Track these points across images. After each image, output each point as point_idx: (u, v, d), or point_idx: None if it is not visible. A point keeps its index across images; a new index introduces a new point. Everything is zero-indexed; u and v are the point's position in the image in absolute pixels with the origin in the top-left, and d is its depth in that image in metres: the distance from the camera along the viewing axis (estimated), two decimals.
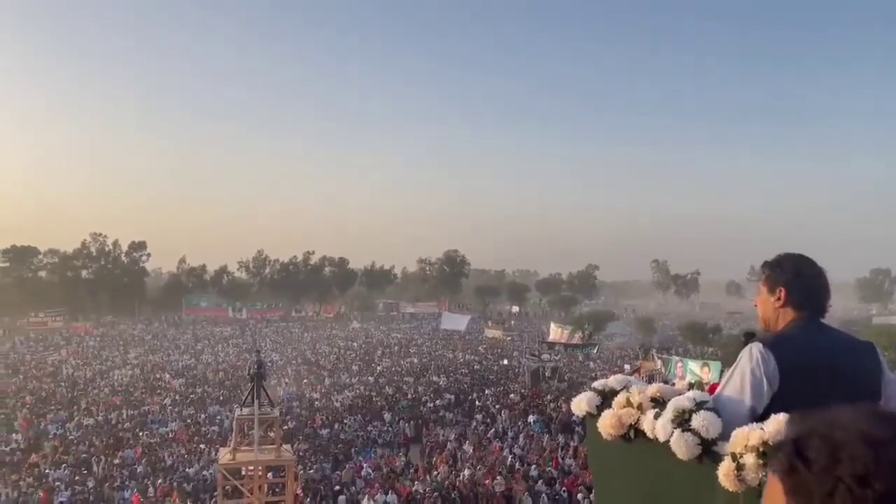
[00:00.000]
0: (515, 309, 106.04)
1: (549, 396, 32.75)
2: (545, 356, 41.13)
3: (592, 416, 2.26)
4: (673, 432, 1.85)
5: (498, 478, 19.47)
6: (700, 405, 1.88)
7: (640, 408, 2.05)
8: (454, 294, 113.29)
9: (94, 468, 22.30)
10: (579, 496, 17.26)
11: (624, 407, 2.09)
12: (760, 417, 1.83)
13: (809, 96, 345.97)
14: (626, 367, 39.29)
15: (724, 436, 1.78)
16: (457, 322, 68.64)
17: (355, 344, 61.28)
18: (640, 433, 2.04)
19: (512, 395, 33.57)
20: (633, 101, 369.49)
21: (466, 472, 20.49)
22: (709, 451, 1.79)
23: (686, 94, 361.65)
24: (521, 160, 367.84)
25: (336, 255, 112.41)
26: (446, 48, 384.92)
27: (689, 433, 1.82)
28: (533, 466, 21.23)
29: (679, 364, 32.69)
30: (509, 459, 22.11)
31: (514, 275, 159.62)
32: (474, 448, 23.93)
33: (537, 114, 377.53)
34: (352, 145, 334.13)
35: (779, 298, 2.16)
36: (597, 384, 2.34)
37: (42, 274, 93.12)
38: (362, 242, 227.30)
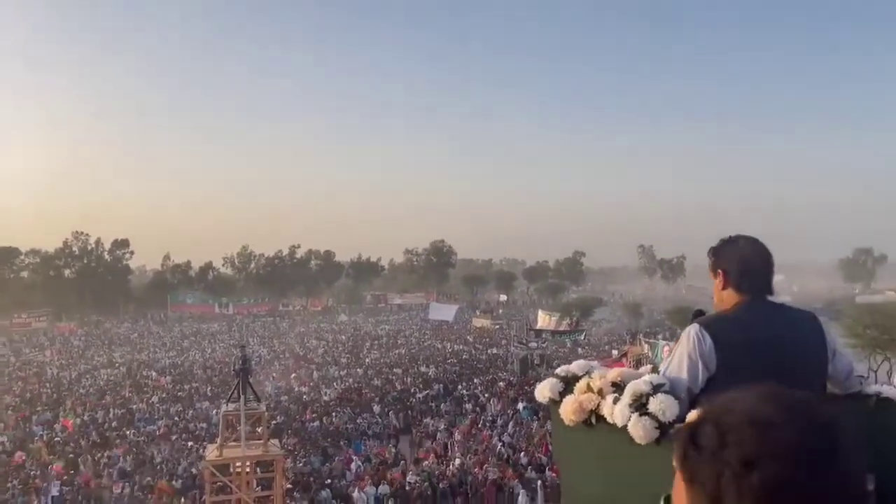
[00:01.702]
0: (503, 297, 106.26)
1: (537, 383, 32.81)
2: (533, 344, 41.30)
3: (556, 403, 2.24)
4: (630, 416, 1.83)
5: (488, 466, 19.55)
6: (657, 388, 1.86)
7: (600, 393, 2.03)
8: (441, 284, 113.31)
9: (81, 467, 22.15)
10: None
11: (584, 392, 2.07)
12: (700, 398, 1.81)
13: (791, 87, 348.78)
14: (614, 352, 39.46)
15: (681, 418, 1.76)
16: (444, 312, 68.75)
17: (343, 337, 61.26)
18: (601, 418, 2.02)
19: (501, 384, 33.68)
20: (616, 91, 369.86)
21: (457, 461, 20.55)
22: (666, 434, 1.77)
23: (670, 85, 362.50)
24: (506, 148, 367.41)
25: (322, 248, 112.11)
26: (426, 39, 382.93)
27: (646, 417, 1.80)
28: (522, 454, 21.32)
29: (666, 348, 32.77)
30: (499, 447, 22.18)
31: (501, 263, 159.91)
32: (464, 437, 23.98)
33: (519, 102, 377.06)
34: (335, 138, 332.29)
35: (721, 282, 2.17)
36: (559, 370, 2.32)
37: (24, 274, 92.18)
38: (348, 235, 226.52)
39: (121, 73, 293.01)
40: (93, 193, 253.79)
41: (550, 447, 21.64)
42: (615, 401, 1.93)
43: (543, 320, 51.70)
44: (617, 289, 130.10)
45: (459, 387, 33.70)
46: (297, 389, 34.56)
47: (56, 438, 25.92)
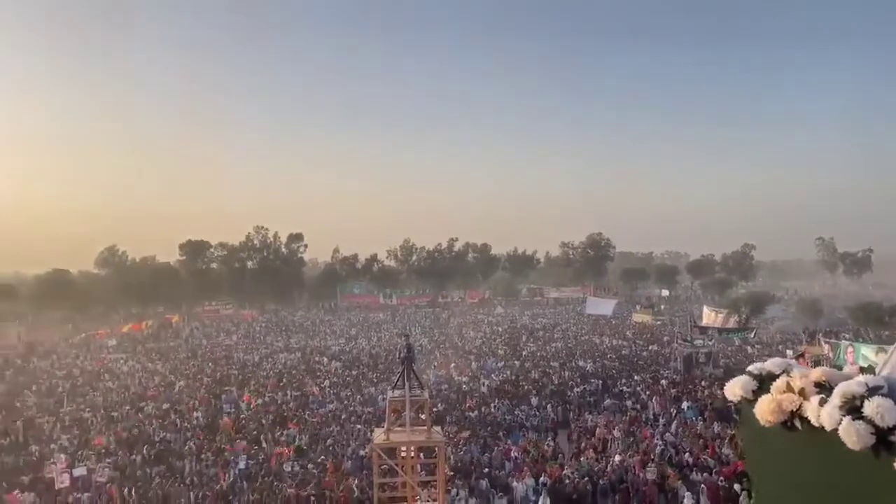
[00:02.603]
0: (665, 292, 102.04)
1: (703, 383, 31.41)
2: (698, 341, 39.38)
3: (748, 402, 2.13)
4: (842, 420, 1.70)
5: (650, 465, 18.95)
6: (873, 390, 1.71)
7: (802, 393, 1.90)
8: (599, 278, 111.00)
9: (263, 444, 24.04)
10: (736, 487, 16.40)
11: (784, 392, 1.95)
12: None
13: None
14: (789, 352, 36.73)
15: None
16: (602, 307, 67.34)
17: (500, 329, 61.79)
18: (802, 420, 1.90)
19: (663, 382, 32.52)
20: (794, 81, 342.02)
21: (617, 458, 20.10)
22: (884, 441, 1.63)
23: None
24: (665, 136, 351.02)
25: (479, 241, 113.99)
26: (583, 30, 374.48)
27: (860, 421, 1.66)
28: (686, 454, 20.45)
29: (850, 349, 30.00)
30: (660, 446, 21.41)
31: (662, 257, 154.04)
32: (624, 434, 23.40)
33: (680, 89, 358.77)
34: (491, 131, 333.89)
35: None
36: (753, 368, 2.19)
37: (213, 265, 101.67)
38: (505, 228, 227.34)
39: (290, 82, 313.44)
40: (272, 191, 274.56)
41: (718, 449, 20.59)
42: (821, 402, 1.80)
43: (709, 317, 49.12)
44: (792, 284, 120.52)
45: (619, 383, 32.93)
46: (456, 379, 35.39)
47: (242, 416, 28.37)
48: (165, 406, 30.73)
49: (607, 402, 29.05)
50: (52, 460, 21.20)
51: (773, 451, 2.13)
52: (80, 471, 20.47)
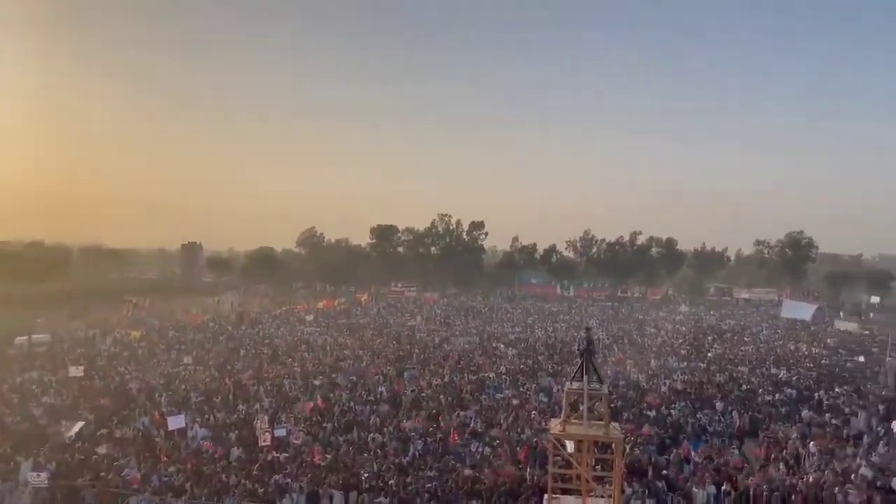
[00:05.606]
0: (875, 299, 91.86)
1: None
2: None
3: None
4: None
5: (850, 487, 17.35)
6: None
7: None
8: (797, 280, 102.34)
9: (441, 423, 24.94)
10: None
11: None
12: None
13: None
14: None
15: None
16: (801, 311, 62.35)
17: (683, 328, 59.23)
18: None
19: (870, 397, 29.49)
20: None
21: (811, 476, 18.62)
22: None
23: None
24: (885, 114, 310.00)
25: (664, 235, 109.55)
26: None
27: None
28: (895, 479, 18.45)
29: None
30: (863, 468, 19.49)
31: (874, 260, 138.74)
32: (821, 450, 21.57)
33: None
34: (676, 118, 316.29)
35: None
36: None
37: (400, 249, 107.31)
38: (692, 223, 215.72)
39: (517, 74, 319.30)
40: (456, 180, 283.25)
41: None
42: None
43: None
44: None
45: (817, 395, 30.33)
46: (633, 376, 34.50)
47: (422, 394, 29.67)
48: (353, 378, 32.91)
49: (805, 413, 26.90)
50: (256, 420, 23.45)
51: None
52: (279, 431, 22.47)
